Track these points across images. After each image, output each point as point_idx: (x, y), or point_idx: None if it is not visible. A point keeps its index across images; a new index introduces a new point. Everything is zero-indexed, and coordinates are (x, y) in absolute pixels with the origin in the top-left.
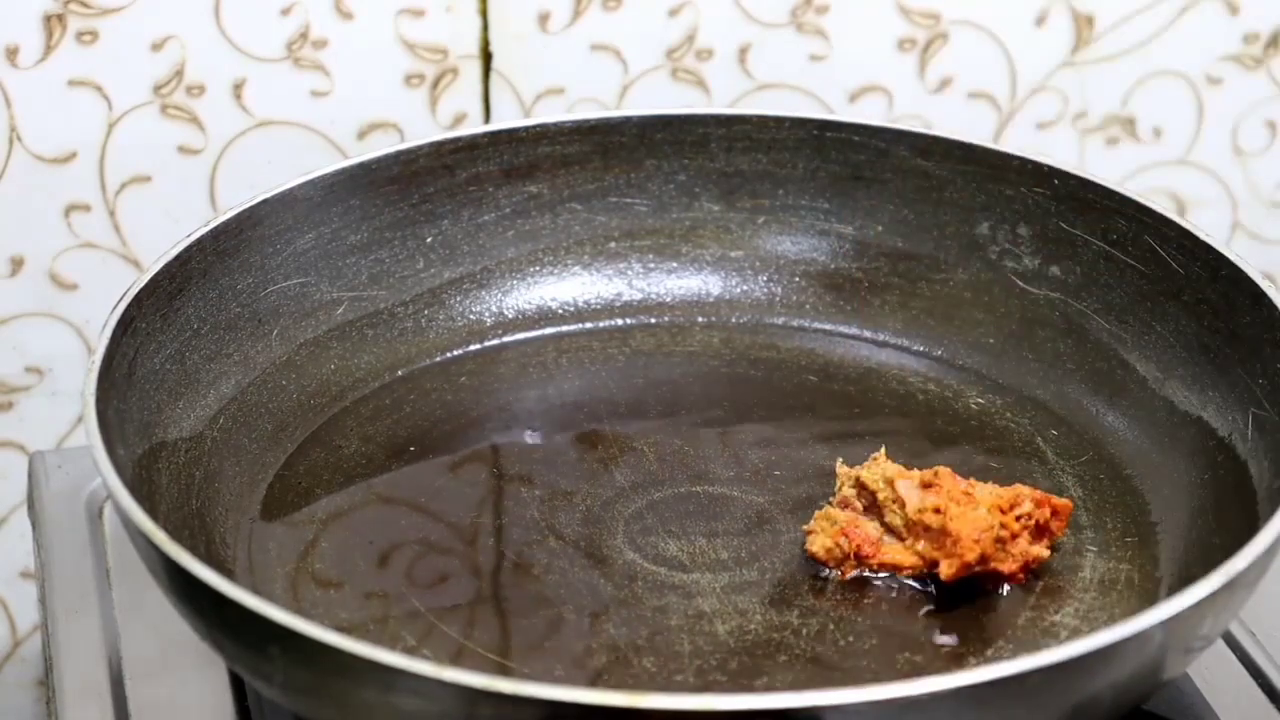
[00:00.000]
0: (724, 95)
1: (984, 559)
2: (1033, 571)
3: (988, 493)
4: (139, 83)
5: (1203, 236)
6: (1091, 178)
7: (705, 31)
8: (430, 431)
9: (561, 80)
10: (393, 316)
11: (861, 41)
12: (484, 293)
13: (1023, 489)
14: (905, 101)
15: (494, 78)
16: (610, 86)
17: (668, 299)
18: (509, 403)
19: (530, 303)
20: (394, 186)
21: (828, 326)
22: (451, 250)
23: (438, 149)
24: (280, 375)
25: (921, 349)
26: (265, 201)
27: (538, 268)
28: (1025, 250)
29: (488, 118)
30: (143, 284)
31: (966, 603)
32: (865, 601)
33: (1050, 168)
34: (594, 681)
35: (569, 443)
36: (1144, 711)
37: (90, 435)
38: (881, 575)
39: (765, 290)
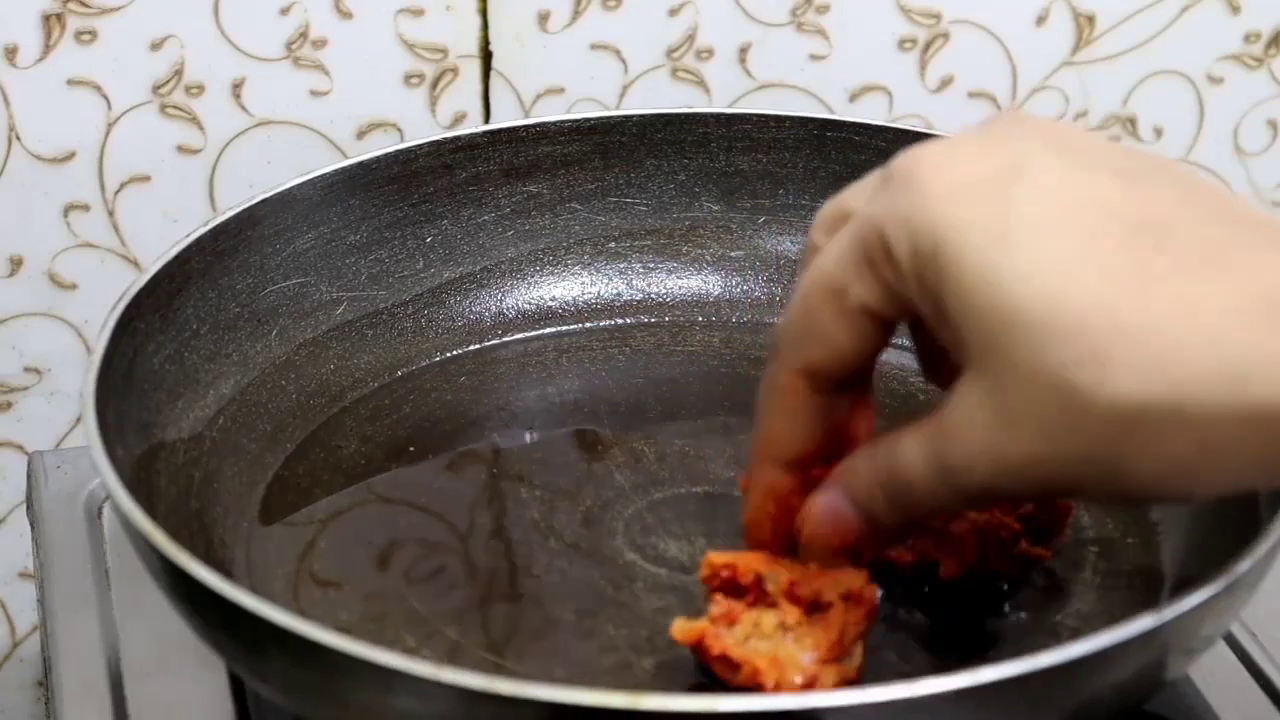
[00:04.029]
0: (724, 95)
1: (984, 559)
2: (1033, 572)
3: None
4: (138, 82)
5: None
6: None
7: (705, 31)
8: (430, 431)
9: (561, 80)
10: (392, 316)
11: (862, 41)
12: (484, 293)
13: None
14: (905, 101)
15: (494, 77)
16: (610, 86)
17: (668, 299)
18: (509, 403)
19: (530, 303)
20: (394, 186)
21: None
22: (451, 250)
23: (437, 149)
24: (279, 375)
25: None
26: (264, 201)
27: (538, 268)
28: None
29: (488, 117)
30: (142, 284)
31: (967, 603)
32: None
33: None
34: (594, 682)
35: (569, 443)
36: (1144, 711)
37: (89, 435)
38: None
39: (765, 290)
